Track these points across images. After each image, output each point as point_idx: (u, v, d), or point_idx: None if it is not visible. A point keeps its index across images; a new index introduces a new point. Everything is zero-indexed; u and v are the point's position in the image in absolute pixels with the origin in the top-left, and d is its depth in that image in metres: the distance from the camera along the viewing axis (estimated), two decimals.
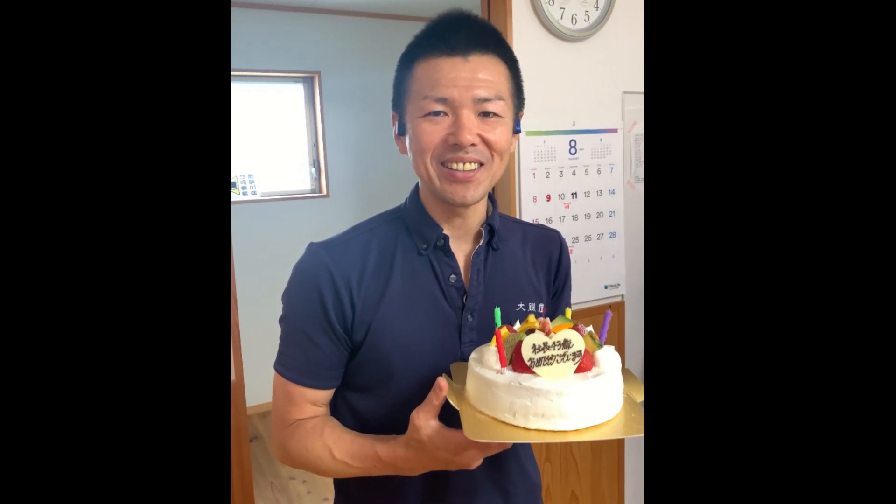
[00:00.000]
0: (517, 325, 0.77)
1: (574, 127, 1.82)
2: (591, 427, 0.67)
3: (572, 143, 1.82)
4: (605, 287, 1.96)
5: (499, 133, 0.81)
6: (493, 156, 0.81)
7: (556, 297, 0.99)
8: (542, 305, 0.92)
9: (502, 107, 0.81)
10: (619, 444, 2.06)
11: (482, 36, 0.81)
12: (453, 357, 0.85)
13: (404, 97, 0.84)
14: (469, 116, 0.79)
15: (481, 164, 0.81)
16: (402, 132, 0.86)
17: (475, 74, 0.79)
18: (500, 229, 0.91)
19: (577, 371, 0.69)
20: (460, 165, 0.79)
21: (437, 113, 0.79)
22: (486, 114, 0.80)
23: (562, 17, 1.73)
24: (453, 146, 0.79)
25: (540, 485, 1.01)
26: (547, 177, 1.79)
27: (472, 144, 0.79)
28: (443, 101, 0.78)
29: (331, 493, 0.96)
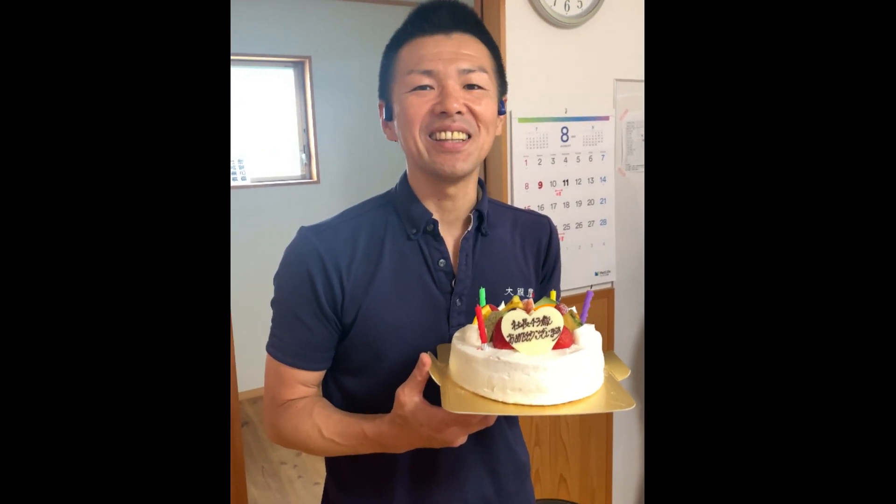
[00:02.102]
0: (502, 307, 0.78)
1: (566, 114, 1.82)
2: (569, 402, 0.68)
3: (564, 131, 1.83)
4: (596, 274, 1.97)
5: (484, 105, 0.83)
6: (479, 127, 0.83)
7: (544, 281, 1.00)
8: (530, 290, 0.94)
9: (486, 79, 0.83)
10: (608, 428, 2.09)
11: (463, 16, 0.84)
12: (442, 340, 0.86)
13: (390, 81, 0.86)
14: (454, 86, 0.81)
15: (469, 136, 0.82)
16: (389, 117, 0.87)
17: (458, 49, 0.82)
18: (490, 214, 0.92)
19: (555, 347, 0.70)
20: (448, 135, 0.81)
21: (423, 87, 0.81)
22: (470, 86, 0.82)
23: (555, 4, 1.73)
24: (441, 115, 0.80)
25: (528, 465, 1.02)
26: (539, 164, 1.79)
27: (459, 112, 0.80)
28: (428, 73, 0.81)
29: (321, 478, 0.97)
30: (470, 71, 0.81)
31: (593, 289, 1.97)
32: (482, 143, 0.84)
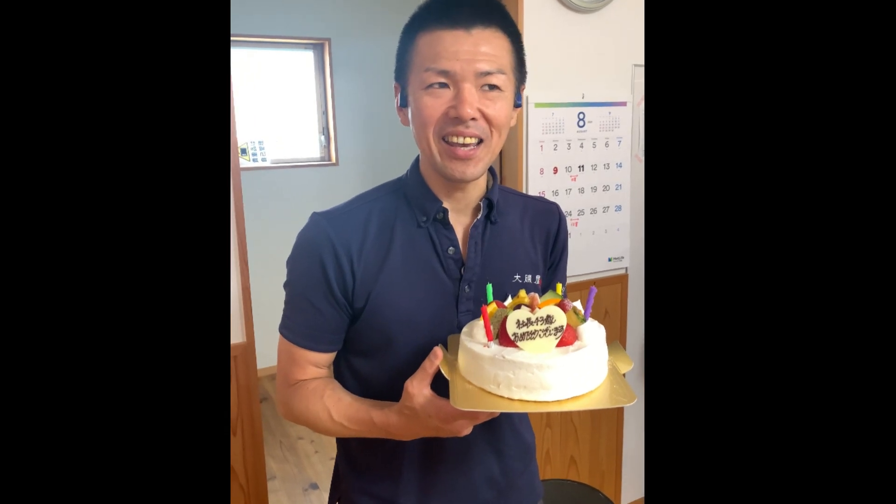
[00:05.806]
0: (509, 300, 0.79)
1: (583, 99, 1.83)
2: (572, 398, 0.70)
3: (581, 116, 1.83)
4: (609, 260, 1.98)
5: (499, 107, 0.81)
6: (492, 132, 0.82)
7: (552, 268, 1.01)
8: (538, 277, 0.95)
9: (503, 80, 0.81)
10: (619, 410, 2.11)
11: (485, 9, 0.81)
12: (450, 326, 0.88)
13: (406, 69, 0.84)
14: (470, 90, 0.79)
15: (481, 141, 0.82)
16: (404, 104, 0.86)
17: (477, 48, 0.79)
18: (500, 202, 0.93)
19: (559, 345, 0.72)
20: (461, 139, 0.80)
21: (438, 85, 0.80)
22: (487, 87, 0.80)
23: None
24: (454, 119, 0.79)
25: (534, 446, 1.05)
26: (555, 149, 1.80)
27: (473, 119, 0.79)
28: (444, 73, 0.79)
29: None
30: (488, 73, 0.79)
31: (607, 275, 1.98)
32: (493, 147, 0.84)
